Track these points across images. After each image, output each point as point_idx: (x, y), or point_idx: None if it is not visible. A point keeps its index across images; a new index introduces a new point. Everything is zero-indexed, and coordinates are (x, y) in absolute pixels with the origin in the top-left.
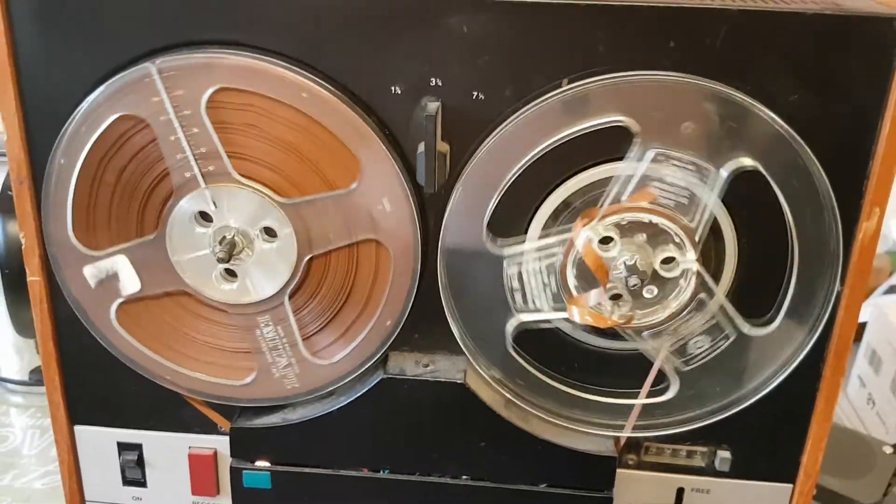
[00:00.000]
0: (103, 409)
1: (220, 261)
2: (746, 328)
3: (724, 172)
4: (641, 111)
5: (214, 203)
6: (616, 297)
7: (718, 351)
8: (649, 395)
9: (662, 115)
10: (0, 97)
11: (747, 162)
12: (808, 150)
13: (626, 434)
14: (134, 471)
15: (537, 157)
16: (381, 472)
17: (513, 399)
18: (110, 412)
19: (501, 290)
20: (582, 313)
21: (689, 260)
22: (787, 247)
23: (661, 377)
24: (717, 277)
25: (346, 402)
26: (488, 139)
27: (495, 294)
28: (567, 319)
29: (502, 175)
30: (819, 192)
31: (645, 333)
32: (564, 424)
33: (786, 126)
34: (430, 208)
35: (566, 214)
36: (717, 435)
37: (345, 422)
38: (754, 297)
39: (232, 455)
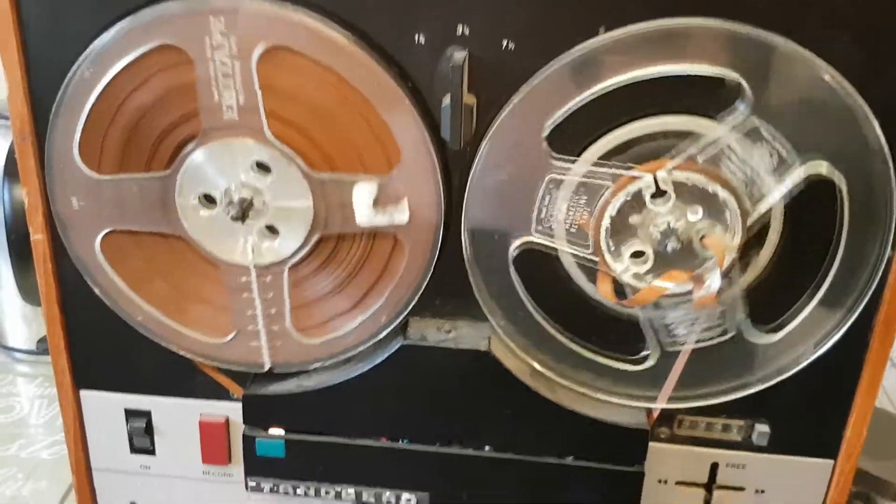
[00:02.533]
0: (111, 374)
1: (234, 218)
2: (752, 334)
3: (802, 173)
4: (753, 71)
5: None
6: (638, 255)
7: (709, 343)
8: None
9: (776, 83)
10: (2, 48)
11: (823, 170)
12: (862, 101)
13: (659, 406)
14: (142, 438)
15: (582, 103)
16: (400, 441)
17: (539, 368)
18: (118, 377)
19: (530, 204)
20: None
21: (730, 246)
22: (825, 254)
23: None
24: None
25: (364, 370)
26: (518, 92)
27: (521, 206)
28: (575, 255)
29: (534, 130)
30: (870, 147)
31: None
32: (593, 395)
33: (838, 75)
34: (454, 167)
35: (621, 157)
36: (756, 407)
37: (363, 390)
38: (771, 301)
39: (245, 422)
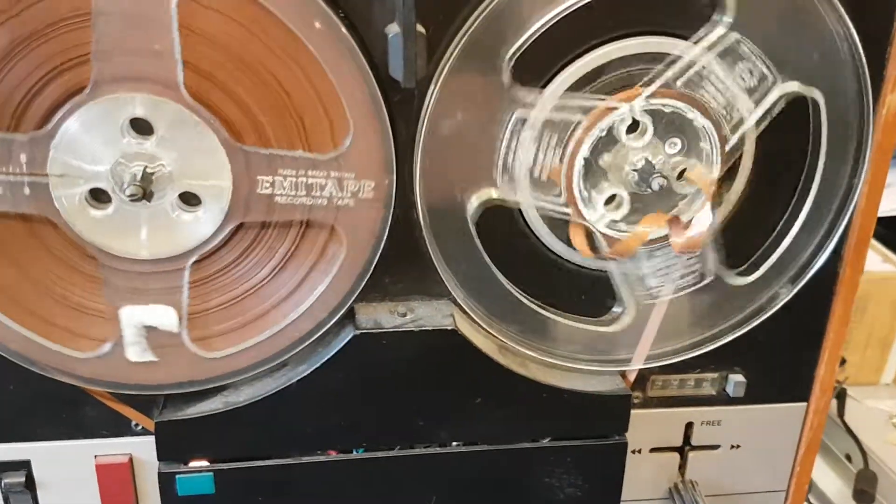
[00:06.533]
0: None
1: (132, 197)
2: (728, 276)
3: (778, 92)
4: None
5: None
6: (610, 200)
7: (685, 291)
8: (595, 324)
9: None
10: None
11: (797, 87)
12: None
13: (636, 367)
14: (22, 496)
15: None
16: (355, 452)
17: (507, 343)
18: None
19: (491, 151)
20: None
21: (711, 178)
22: (797, 185)
23: (613, 300)
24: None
25: (308, 371)
26: (474, 16)
27: (481, 153)
28: (544, 208)
29: (493, 60)
30: (843, 61)
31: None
32: (567, 364)
33: None
34: (399, 116)
35: (589, 89)
36: (729, 357)
37: (308, 396)
38: (743, 243)
39: (159, 458)
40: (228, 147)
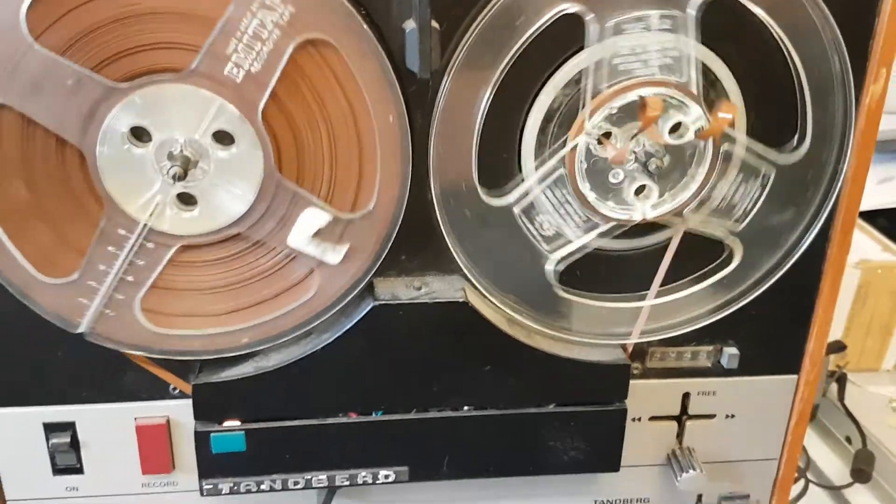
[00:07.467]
0: (22, 385)
1: (176, 176)
2: (780, 158)
3: (692, 11)
4: None
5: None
6: (640, 191)
7: (764, 194)
8: (711, 273)
9: None
10: None
11: None
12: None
13: (634, 340)
14: (67, 455)
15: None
16: (374, 414)
17: (515, 316)
18: (32, 388)
19: (524, 238)
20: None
21: (697, 116)
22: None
23: (718, 250)
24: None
25: (332, 339)
26: (486, 11)
27: (519, 244)
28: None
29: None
30: (829, 57)
31: (686, 212)
32: (570, 337)
33: None
34: (415, 106)
35: (552, 136)
36: (723, 331)
37: (331, 362)
38: (773, 128)
39: (196, 417)
40: (184, 80)
